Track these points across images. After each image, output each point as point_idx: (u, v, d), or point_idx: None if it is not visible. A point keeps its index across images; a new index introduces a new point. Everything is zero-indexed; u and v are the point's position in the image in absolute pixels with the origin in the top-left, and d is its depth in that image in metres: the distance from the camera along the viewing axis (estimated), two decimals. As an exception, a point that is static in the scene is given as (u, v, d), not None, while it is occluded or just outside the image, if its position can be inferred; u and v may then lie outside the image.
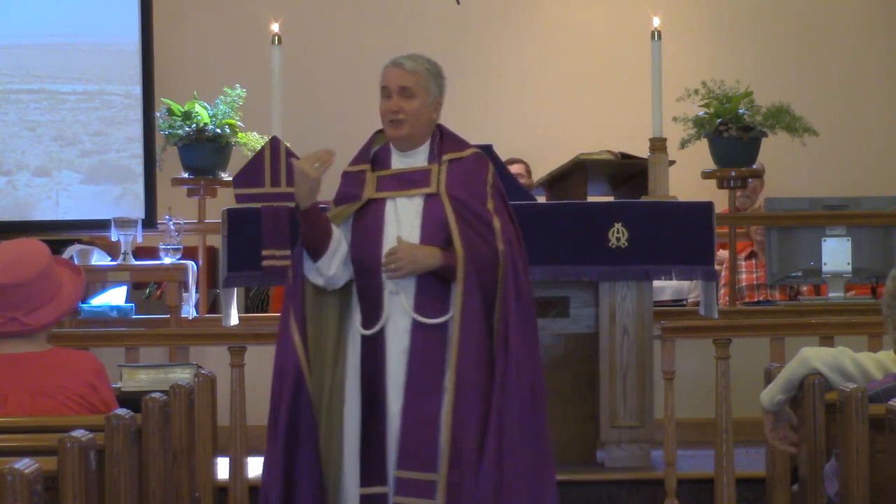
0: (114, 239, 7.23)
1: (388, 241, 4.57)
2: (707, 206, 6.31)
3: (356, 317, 4.63)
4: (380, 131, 4.78)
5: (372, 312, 4.58)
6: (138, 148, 7.63)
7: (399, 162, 4.71)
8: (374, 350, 4.58)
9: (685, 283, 8.03)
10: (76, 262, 6.26)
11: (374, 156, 4.74)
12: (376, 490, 4.55)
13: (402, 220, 4.62)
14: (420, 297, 4.57)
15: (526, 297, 4.62)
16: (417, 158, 4.69)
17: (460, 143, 4.75)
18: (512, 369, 4.54)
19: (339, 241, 4.61)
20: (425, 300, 4.57)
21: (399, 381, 4.54)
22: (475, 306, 4.53)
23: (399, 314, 4.57)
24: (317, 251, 4.58)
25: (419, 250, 4.56)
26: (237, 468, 5.73)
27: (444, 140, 4.73)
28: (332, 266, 4.59)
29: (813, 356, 4.30)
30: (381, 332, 4.57)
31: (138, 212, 7.44)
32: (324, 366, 4.62)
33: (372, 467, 4.56)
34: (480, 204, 4.64)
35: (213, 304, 8.13)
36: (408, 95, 4.62)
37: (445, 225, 4.59)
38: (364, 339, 4.60)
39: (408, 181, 4.67)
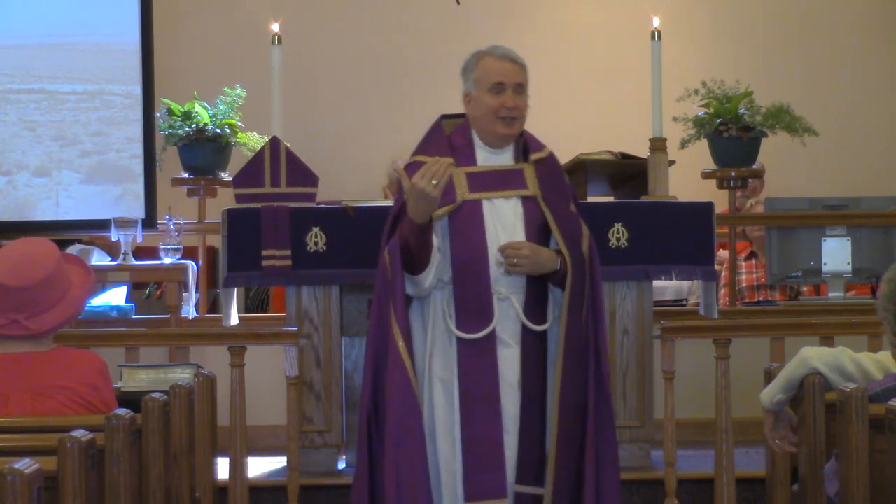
0: (114, 239, 7.22)
1: (493, 244, 4.41)
2: (707, 206, 6.30)
3: (447, 321, 4.41)
4: (446, 117, 4.60)
5: (475, 317, 4.39)
6: (138, 148, 7.63)
7: (486, 158, 4.53)
8: (480, 355, 4.37)
9: (685, 284, 8.03)
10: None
11: (452, 148, 4.52)
12: None
13: (504, 223, 4.46)
14: (528, 302, 4.43)
15: (603, 301, 4.58)
16: (504, 156, 4.55)
17: (538, 142, 4.63)
18: (605, 379, 4.48)
19: (436, 250, 4.38)
20: (532, 306, 4.44)
21: (514, 388, 4.40)
22: (577, 315, 4.43)
23: (508, 319, 4.42)
24: (419, 264, 4.35)
25: (542, 251, 4.41)
26: (237, 468, 5.72)
27: (526, 138, 4.61)
28: (429, 277, 4.38)
29: (813, 356, 4.30)
30: (490, 336, 4.39)
31: (138, 212, 7.43)
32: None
33: (486, 477, 4.33)
34: (568, 206, 4.54)
35: (213, 304, 8.13)
36: (521, 92, 4.49)
37: (545, 229, 4.48)
38: (464, 343, 4.39)
39: (502, 181, 4.50)
